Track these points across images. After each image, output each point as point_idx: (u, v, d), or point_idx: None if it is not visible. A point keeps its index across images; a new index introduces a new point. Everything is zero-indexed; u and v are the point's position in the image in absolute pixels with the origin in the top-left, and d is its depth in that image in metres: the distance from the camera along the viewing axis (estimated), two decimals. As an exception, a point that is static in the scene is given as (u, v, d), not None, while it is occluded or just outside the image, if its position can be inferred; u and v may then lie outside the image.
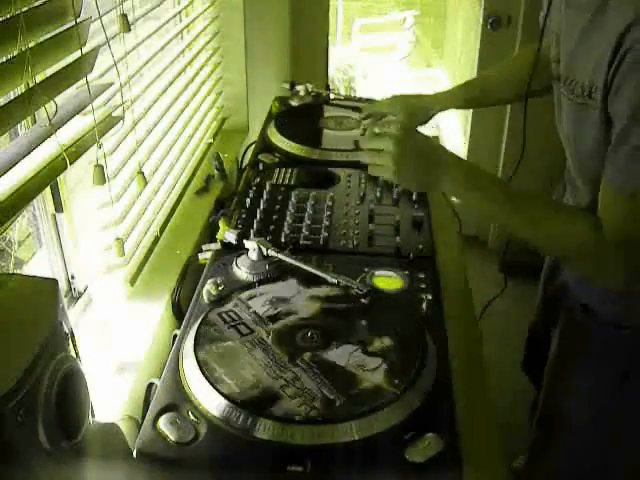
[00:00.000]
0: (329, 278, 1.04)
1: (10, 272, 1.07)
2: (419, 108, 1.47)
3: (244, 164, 1.66)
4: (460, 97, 1.48)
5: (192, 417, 0.82)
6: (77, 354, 0.77)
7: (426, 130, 1.29)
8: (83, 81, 0.96)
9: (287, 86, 1.87)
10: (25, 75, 0.80)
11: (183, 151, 1.56)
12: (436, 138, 2.04)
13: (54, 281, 0.75)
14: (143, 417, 0.85)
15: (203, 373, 0.86)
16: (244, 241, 1.12)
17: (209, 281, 1.04)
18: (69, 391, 0.71)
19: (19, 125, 0.98)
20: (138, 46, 1.23)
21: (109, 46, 1.02)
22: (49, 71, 0.91)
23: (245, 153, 1.70)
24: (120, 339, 1.10)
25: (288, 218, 1.26)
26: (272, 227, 1.24)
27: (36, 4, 0.82)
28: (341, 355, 0.91)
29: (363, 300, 1.01)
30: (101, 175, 1.03)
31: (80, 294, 1.15)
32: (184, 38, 1.64)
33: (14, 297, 0.71)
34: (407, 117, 1.43)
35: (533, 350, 1.54)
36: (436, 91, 1.53)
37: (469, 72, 2.97)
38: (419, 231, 1.24)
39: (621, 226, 0.93)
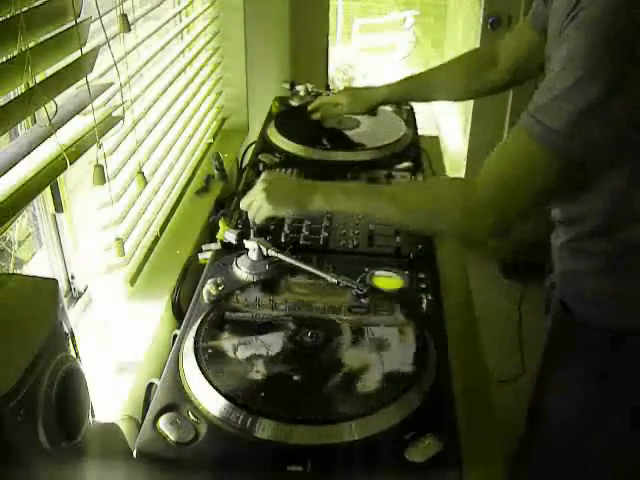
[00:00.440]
0: (329, 278, 1.04)
1: (10, 272, 1.07)
2: (362, 98, 1.54)
3: (244, 164, 1.66)
4: (398, 91, 1.51)
5: (192, 417, 0.82)
6: (77, 354, 0.77)
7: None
8: (83, 81, 0.96)
9: (287, 86, 1.87)
10: (25, 75, 0.80)
11: (183, 151, 1.56)
12: (436, 138, 2.05)
13: (54, 281, 0.75)
14: (143, 417, 0.85)
15: (203, 373, 0.86)
16: (244, 241, 1.12)
17: (209, 281, 1.04)
18: (69, 391, 0.71)
19: (19, 125, 0.97)
20: (138, 46, 1.23)
21: (109, 46, 1.02)
22: (49, 71, 0.91)
23: (245, 153, 1.70)
24: (120, 339, 1.10)
25: (288, 218, 1.26)
26: (272, 227, 1.24)
27: (36, 4, 0.82)
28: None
29: (363, 300, 1.01)
30: (101, 175, 1.03)
31: (80, 294, 1.15)
32: (184, 38, 1.64)
33: (14, 297, 0.71)
34: (349, 105, 1.54)
35: None
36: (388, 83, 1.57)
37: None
38: (419, 231, 1.24)
39: (493, 166, 0.96)
